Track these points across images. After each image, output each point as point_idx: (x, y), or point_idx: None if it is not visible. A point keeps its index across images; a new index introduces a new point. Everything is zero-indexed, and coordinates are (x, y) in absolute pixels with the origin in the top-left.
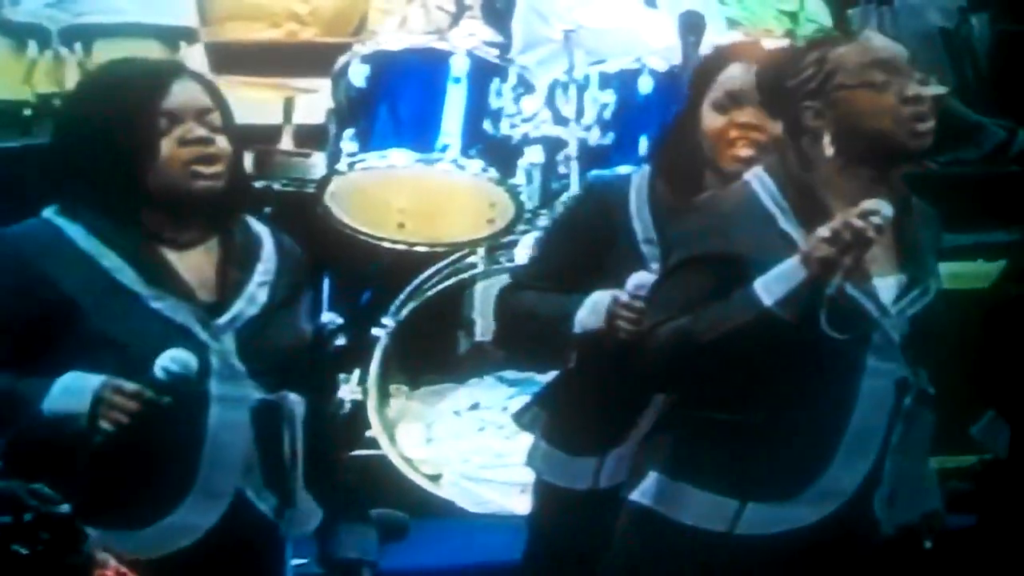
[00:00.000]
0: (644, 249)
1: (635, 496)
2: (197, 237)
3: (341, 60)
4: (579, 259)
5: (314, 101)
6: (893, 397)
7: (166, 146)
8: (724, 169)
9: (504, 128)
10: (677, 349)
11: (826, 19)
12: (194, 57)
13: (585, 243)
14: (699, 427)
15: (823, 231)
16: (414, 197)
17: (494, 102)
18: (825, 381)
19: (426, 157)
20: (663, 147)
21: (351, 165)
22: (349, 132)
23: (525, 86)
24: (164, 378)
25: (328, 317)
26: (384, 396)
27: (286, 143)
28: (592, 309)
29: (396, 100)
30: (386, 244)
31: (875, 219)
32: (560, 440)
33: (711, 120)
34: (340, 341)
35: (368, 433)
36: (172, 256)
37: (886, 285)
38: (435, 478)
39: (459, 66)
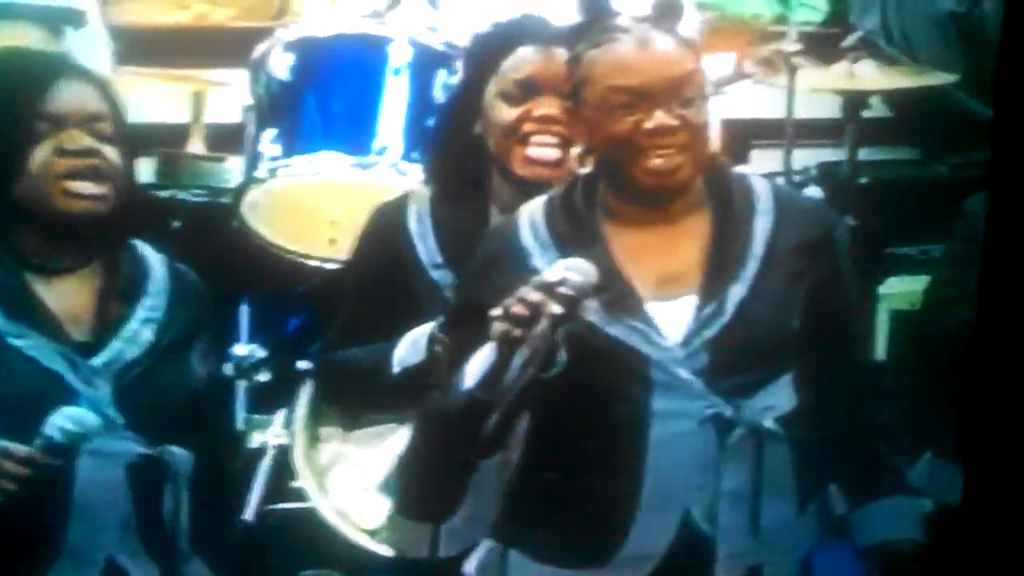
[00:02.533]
0: (435, 276)
1: (467, 568)
2: (73, 263)
3: (260, 48)
4: (378, 303)
5: (228, 96)
6: (712, 437)
7: (40, 154)
8: (519, 175)
9: None
10: (439, 421)
11: (822, 1)
12: (83, 45)
13: (377, 284)
14: (524, 486)
15: (496, 309)
16: (348, 208)
17: (440, 97)
18: (607, 435)
19: (361, 161)
20: (434, 153)
21: (273, 171)
22: (270, 132)
23: None
24: (60, 440)
25: (248, 349)
26: (314, 440)
27: (196, 145)
28: (411, 342)
29: (326, 95)
30: (315, 263)
31: (564, 290)
32: (402, 503)
33: (500, 113)
34: (262, 377)
35: (295, 483)
36: (40, 285)
37: (676, 308)
38: (375, 533)
39: (399, 54)
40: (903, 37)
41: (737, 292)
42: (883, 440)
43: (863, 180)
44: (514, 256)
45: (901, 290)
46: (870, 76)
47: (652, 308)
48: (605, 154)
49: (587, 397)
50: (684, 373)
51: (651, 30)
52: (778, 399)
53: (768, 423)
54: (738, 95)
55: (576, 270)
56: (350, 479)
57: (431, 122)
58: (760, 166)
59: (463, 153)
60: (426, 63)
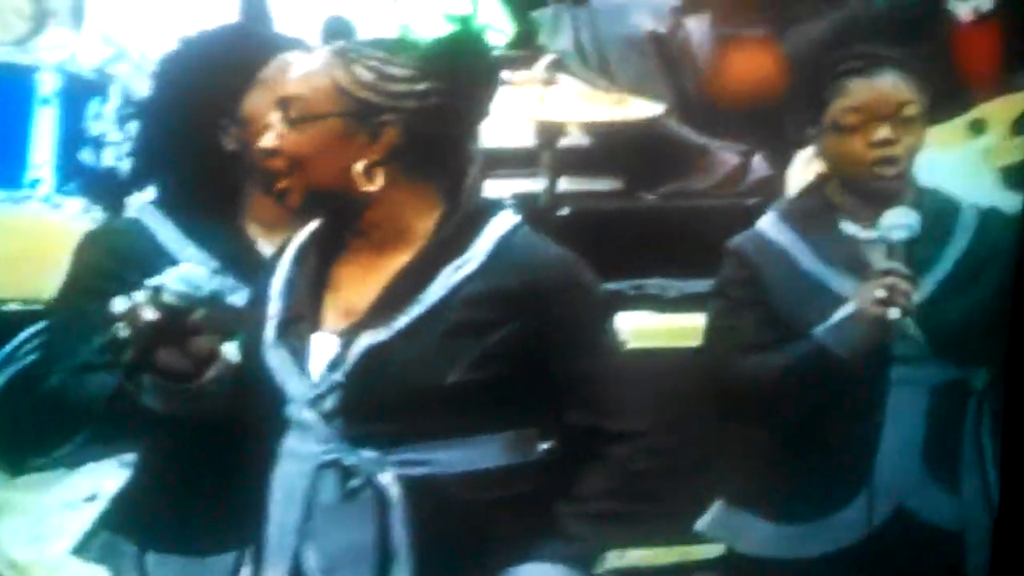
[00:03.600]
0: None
1: None
2: None
3: None
4: None
5: None
6: (329, 486)
7: None
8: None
9: (108, 159)
10: None
11: (507, 23)
12: None
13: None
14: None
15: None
16: (1, 244)
17: (94, 127)
18: (240, 471)
19: (11, 195)
20: (186, 165)
21: None
22: None
23: (133, 107)
24: None
25: None
26: None
27: None
28: None
29: None
30: None
31: (165, 296)
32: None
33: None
34: None
35: None
36: None
37: (331, 345)
38: None
39: (47, 84)
40: (600, 59)
41: (370, 337)
42: (573, 504)
43: (563, 211)
44: (266, 271)
45: None
46: (566, 103)
47: (319, 340)
48: None
49: (229, 423)
50: (306, 413)
51: (313, 54)
52: (453, 455)
53: (386, 478)
54: None
55: (183, 279)
56: (19, 527)
57: (86, 155)
58: None
59: (213, 168)
60: (77, 91)
